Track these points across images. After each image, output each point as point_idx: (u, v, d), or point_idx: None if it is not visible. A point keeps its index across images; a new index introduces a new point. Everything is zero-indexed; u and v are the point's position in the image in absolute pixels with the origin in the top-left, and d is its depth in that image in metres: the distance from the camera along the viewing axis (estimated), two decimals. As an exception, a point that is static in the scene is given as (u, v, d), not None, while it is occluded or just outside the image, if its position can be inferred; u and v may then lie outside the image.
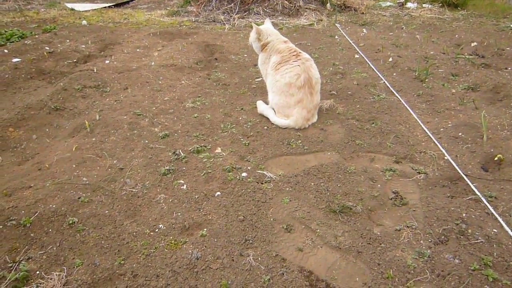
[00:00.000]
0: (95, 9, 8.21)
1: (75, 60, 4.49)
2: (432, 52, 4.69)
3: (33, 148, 2.77)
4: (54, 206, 2.04)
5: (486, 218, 1.99)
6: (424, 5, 7.77)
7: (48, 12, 7.63)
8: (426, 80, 3.81)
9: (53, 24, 6.39)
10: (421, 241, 1.86)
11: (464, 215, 2.01)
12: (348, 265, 1.75)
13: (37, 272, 1.70)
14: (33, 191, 2.17)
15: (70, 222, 1.96)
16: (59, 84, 3.67)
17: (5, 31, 5.47)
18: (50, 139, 2.88)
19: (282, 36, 3.31)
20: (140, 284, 1.65)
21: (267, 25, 3.37)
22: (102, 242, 1.87)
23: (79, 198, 2.14)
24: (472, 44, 4.89)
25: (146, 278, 1.68)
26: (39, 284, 1.64)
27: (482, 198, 2.11)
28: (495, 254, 1.76)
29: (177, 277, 1.68)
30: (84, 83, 3.72)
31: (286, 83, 2.90)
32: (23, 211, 1.98)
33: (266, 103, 3.18)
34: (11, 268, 1.70)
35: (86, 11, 7.94)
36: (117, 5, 8.82)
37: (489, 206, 2.05)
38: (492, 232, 1.89)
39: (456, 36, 5.43)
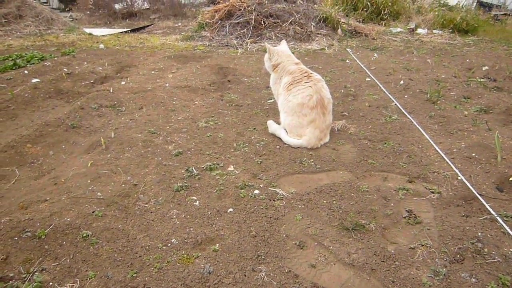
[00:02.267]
0: (112, 34, 8.49)
1: (92, 81, 4.62)
2: (443, 76, 4.72)
3: (50, 163, 2.83)
4: (68, 219, 2.06)
5: (503, 237, 1.96)
6: (434, 31, 7.87)
7: (67, 37, 7.91)
8: (438, 102, 3.82)
9: (72, 47, 6.61)
10: (436, 260, 1.83)
11: (479, 234, 1.98)
12: (362, 282, 1.72)
13: (51, 283, 1.71)
14: (48, 205, 2.20)
15: (84, 235, 1.98)
16: (76, 103, 3.77)
17: (26, 54, 5.70)
18: (67, 155, 2.94)
19: (295, 58, 3.36)
20: (152, 297, 1.65)
21: (282, 47, 3.42)
22: (115, 255, 1.88)
23: (93, 212, 2.16)
24: (484, 68, 4.91)
25: (158, 292, 1.68)
26: (52, 295, 1.64)
27: (498, 218, 2.08)
28: (513, 274, 1.73)
29: (189, 291, 1.67)
30: (101, 102, 3.82)
31: (299, 103, 2.94)
32: (38, 224, 2.00)
33: (278, 123, 3.21)
34: (25, 279, 1.71)
35: (103, 35, 8.22)
36: (133, 31, 9.11)
37: (505, 226, 2.02)
38: (510, 252, 1.85)
39: (467, 60, 5.47)
